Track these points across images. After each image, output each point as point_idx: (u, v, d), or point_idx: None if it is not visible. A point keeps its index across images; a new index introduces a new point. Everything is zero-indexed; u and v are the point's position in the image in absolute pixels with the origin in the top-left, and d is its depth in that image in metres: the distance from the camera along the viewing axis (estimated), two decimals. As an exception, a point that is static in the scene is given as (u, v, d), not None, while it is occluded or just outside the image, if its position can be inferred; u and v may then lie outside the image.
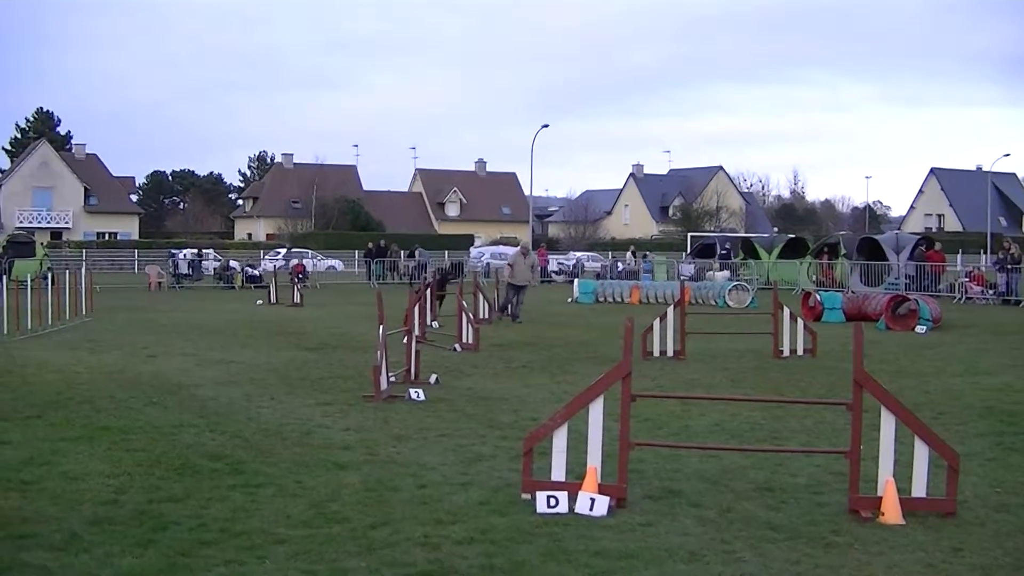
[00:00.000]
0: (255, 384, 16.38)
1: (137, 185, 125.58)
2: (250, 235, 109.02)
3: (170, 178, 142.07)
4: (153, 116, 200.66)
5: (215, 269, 56.18)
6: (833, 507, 8.97)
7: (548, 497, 8.76)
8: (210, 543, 7.80)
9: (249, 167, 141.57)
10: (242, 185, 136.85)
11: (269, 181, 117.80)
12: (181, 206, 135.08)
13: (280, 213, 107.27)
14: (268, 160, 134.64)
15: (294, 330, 26.47)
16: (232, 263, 56.48)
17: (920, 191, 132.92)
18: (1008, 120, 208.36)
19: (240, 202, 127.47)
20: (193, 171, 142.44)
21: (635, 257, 58.54)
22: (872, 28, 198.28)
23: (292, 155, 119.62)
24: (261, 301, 39.01)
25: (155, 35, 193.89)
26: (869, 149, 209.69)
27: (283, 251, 76.01)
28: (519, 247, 30.60)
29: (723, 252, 55.76)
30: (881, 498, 8.64)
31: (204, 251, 63.66)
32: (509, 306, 29.31)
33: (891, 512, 8.54)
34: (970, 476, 9.91)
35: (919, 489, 8.77)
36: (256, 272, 54.40)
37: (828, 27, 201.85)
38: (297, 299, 38.03)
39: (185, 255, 55.93)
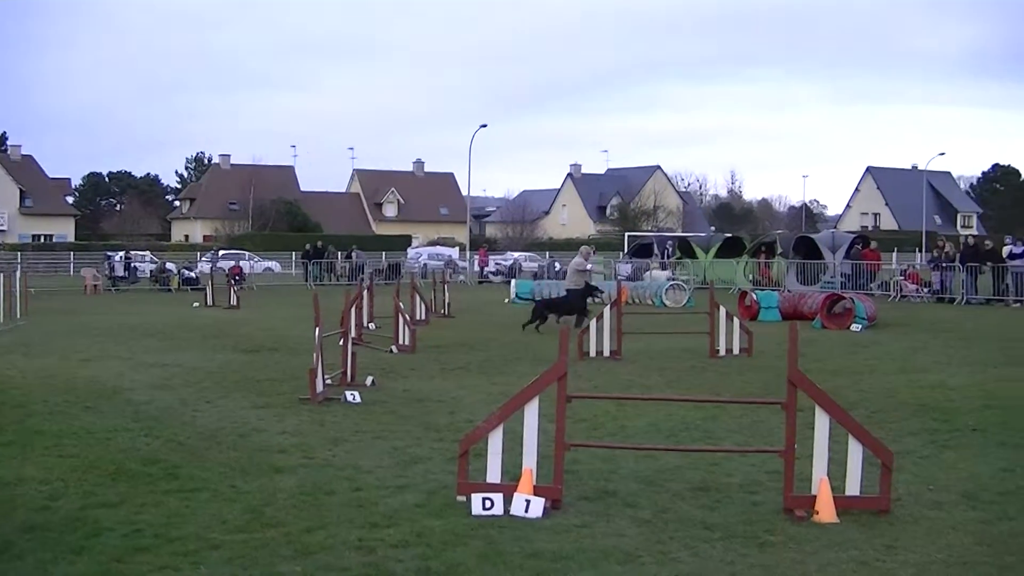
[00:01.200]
0: (191, 387, 16.25)
1: (73, 187, 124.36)
2: (187, 237, 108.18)
3: (107, 179, 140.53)
4: (89, 117, 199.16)
5: (151, 271, 55.62)
6: (768, 506, 9.03)
7: (483, 499, 8.75)
8: (145, 549, 7.74)
9: (186, 168, 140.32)
10: (179, 186, 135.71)
11: (206, 182, 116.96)
12: (118, 208, 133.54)
13: (217, 214, 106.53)
14: (205, 161, 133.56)
15: (231, 332, 26.28)
16: (169, 265, 55.94)
17: (856, 190, 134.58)
18: (943, 119, 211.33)
19: (177, 203, 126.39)
20: (130, 172, 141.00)
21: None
22: (810, 27, 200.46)
23: (229, 156, 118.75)
24: (198, 303, 38.84)
25: (92, 36, 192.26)
26: (806, 148, 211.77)
27: (209, 253, 73.01)
28: (581, 251, 28.61)
29: (668, 249, 55.72)
30: (815, 497, 8.70)
31: (133, 252, 62.50)
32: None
33: (825, 511, 8.61)
34: (904, 474, 10.01)
35: (853, 487, 8.85)
36: (193, 274, 53.88)
37: (763, 26, 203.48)
38: (234, 301, 37.82)
39: (120, 257, 55.22)
